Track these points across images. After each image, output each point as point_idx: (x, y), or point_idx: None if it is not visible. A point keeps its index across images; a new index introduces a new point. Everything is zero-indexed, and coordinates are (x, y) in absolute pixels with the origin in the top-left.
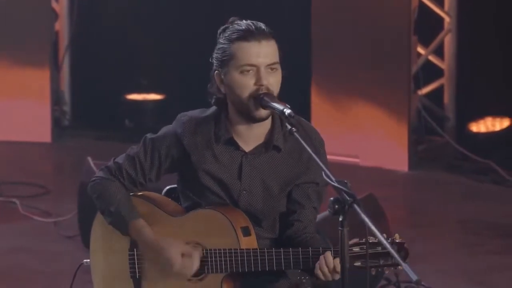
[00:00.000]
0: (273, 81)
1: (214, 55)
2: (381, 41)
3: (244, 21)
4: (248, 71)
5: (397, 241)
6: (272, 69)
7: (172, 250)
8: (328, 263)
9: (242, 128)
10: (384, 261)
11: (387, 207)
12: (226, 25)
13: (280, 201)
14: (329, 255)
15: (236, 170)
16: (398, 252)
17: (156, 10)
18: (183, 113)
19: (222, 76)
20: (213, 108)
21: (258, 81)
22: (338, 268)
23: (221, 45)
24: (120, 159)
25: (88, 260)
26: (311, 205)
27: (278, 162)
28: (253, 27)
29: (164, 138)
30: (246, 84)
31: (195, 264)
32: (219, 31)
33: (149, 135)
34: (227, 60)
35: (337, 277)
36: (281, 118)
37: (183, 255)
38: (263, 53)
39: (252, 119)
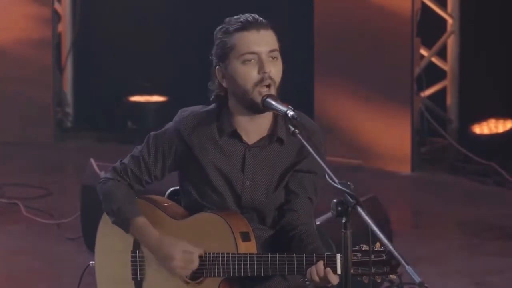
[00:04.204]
0: (275, 71)
1: (213, 52)
2: (384, 42)
3: (241, 15)
4: (250, 60)
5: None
6: (273, 57)
7: (173, 245)
8: (319, 272)
9: (244, 121)
10: (375, 269)
11: (390, 209)
12: (221, 25)
13: (281, 194)
14: (320, 264)
15: (240, 163)
16: (388, 262)
17: (159, 12)
18: (184, 108)
19: (224, 70)
20: (213, 105)
21: (261, 69)
22: (330, 277)
23: (220, 40)
24: (126, 159)
25: (94, 262)
26: (305, 195)
27: (281, 153)
28: (251, 18)
29: (166, 134)
30: (249, 74)
31: (195, 261)
32: (215, 31)
33: (152, 133)
34: (228, 53)
35: (329, 284)
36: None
37: (184, 251)
38: (263, 41)
39: (257, 110)
